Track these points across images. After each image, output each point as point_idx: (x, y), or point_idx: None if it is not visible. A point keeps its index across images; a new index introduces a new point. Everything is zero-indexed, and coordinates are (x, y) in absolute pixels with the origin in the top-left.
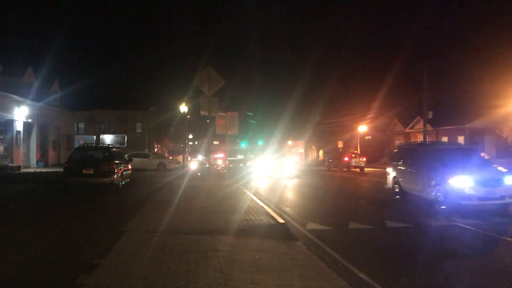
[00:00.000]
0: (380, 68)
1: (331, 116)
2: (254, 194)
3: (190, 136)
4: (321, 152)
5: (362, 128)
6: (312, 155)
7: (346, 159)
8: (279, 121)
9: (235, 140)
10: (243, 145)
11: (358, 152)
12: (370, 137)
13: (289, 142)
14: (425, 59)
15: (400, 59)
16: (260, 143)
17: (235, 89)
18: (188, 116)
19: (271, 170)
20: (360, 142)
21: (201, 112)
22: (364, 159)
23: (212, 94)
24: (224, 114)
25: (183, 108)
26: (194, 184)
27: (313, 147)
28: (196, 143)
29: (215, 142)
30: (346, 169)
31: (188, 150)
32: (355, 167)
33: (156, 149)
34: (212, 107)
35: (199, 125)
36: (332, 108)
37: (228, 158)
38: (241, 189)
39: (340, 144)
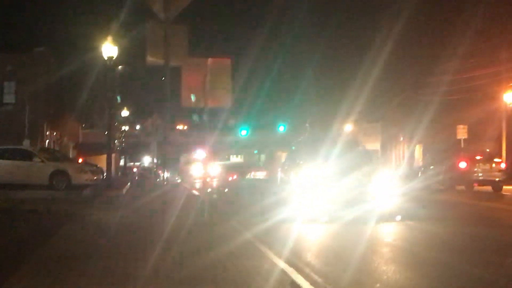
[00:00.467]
0: None
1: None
2: None
3: (125, 113)
4: (418, 149)
5: (510, 97)
6: (398, 154)
7: (462, 165)
8: (320, 87)
9: (226, 122)
10: (244, 132)
11: (489, 152)
12: None
13: (348, 127)
14: None
15: None
16: (281, 128)
17: (223, 21)
18: (120, 68)
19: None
20: (508, 126)
21: (148, 59)
22: (504, 165)
23: (172, 17)
24: (198, 63)
25: (109, 50)
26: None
27: (401, 138)
28: (138, 127)
29: (179, 127)
30: (465, 187)
31: (122, 144)
32: (483, 182)
33: (48, 140)
34: (173, 46)
35: (144, 89)
36: (441, 59)
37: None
38: None
39: (462, 132)
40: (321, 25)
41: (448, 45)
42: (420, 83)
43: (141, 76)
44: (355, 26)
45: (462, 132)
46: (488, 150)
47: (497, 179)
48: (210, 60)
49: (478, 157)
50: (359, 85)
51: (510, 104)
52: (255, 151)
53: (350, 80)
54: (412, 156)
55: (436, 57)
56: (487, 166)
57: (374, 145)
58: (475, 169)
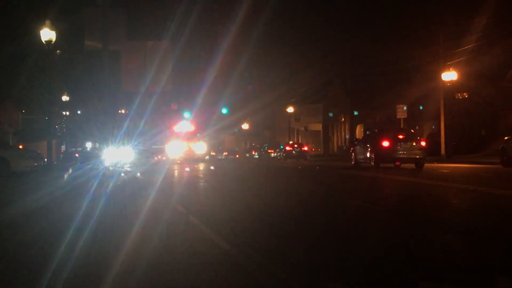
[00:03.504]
0: None
1: (378, 56)
2: None
3: (66, 98)
4: (359, 129)
5: (448, 76)
6: (340, 134)
7: (385, 144)
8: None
9: (169, 105)
10: (187, 115)
11: (415, 132)
12: (466, 94)
13: (289, 110)
14: None
15: None
16: (224, 111)
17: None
18: (58, 52)
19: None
20: (445, 105)
21: (87, 43)
22: (423, 143)
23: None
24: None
25: (47, 34)
26: None
27: (342, 119)
28: (79, 113)
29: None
30: (392, 165)
31: (63, 129)
32: (405, 159)
33: None
34: (111, 30)
35: (84, 72)
36: (383, 39)
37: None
38: None
39: (401, 112)
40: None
41: (389, 25)
42: (360, 64)
43: (80, 60)
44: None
45: (401, 112)
46: (412, 130)
47: (417, 156)
48: (150, 43)
49: (400, 136)
50: (301, 66)
51: (448, 83)
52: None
53: (292, 61)
54: (354, 136)
55: (377, 36)
56: (408, 145)
57: (316, 125)
58: (398, 148)
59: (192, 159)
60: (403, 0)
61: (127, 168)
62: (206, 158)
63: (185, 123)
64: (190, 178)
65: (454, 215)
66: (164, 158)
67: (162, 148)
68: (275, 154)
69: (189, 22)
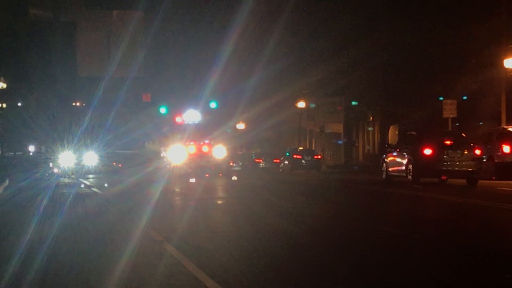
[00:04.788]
0: None
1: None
2: None
3: (1, 85)
4: (392, 132)
5: None
6: (366, 137)
7: (427, 152)
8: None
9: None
10: (164, 110)
11: (467, 136)
12: None
13: (300, 105)
14: None
15: None
16: (212, 104)
17: None
18: None
19: None
20: (508, 101)
21: (31, 12)
22: (478, 152)
23: None
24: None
25: None
26: None
27: (371, 117)
28: (20, 105)
29: (75, 104)
30: (436, 180)
31: None
32: (453, 172)
33: None
34: None
35: (27, 50)
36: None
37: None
38: None
39: (450, 109)
40: None
41: None
42: (395, 45)
43: (23, 35)
44: None
45: (450, 109)
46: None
47: (470, 169)
48: (115, 13)
49: (447, 142)
50: (314, 49)
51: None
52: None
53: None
54: (384, 140)
55: (418, 10)
56: (458, 153)
57: (335, 126)
58: (444, 157)
59: (205, 168)
60: None
61: (88, 181)
62: (224, 167)
63: (193, 113)
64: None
65: None
66: (159, 166)
67: (156, 152)
68: (275, 164)
69: None
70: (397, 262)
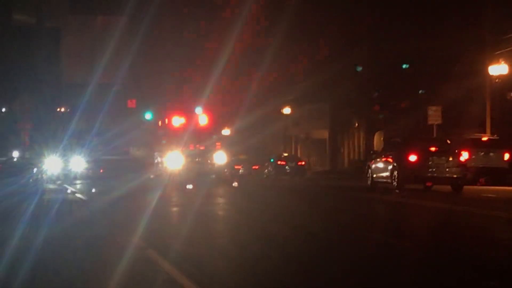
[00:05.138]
0: None
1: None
2: None
3: None
4: (377, 139)
5: (497, 70)
6: (352, 143)
7: (412, 158)
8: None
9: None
10: (149, 115)
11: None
12: None
13: (286, 111)
14: None
15: None
16: (198, 111)
17: None
18: None
19: None
20: (492, 108)
21: (15, 17)
22: (463, 158)
23: None
24: (83, 23)
25: None
26: None
27: (356, 124)
28: (4, 110)
29: (60, 110)
30: (421, 186)
31: None
32: (438, 178)
33: None
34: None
35: (11, 55)
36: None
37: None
38: None
39: (434, 116)
40: None
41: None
42: (381, 50)
43: (6, 40)
44: None
45: (434, 116)
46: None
47: (455, 176)
48: (100, 19)
49: (432, 149)
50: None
51: (496, 79)
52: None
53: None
54: (370, 147)
55: (403, 17)
56: (443, 160)
57: (320, 132)
58: (429, 163)
59: (203, 176)
60: None
61: (74, 187)
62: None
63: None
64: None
65: (499, 255)
66: (152, 174)
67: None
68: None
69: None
70: (382, 269)
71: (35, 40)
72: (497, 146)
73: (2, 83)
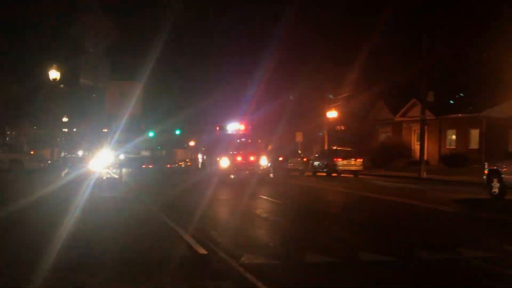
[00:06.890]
0: (361, 27)
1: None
2: None
3: (65, 119)
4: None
5: (332, 114)
6: None
7: (280, 158)
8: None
9: (139, 126)
10: (151, 134)
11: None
12: (343, 127)
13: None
14: (427, 14)
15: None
16: (177, 132)
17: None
18: (62, 86)
19: None
20: (328, 134)
21: (81, 81)
22: (305, 159)
23: (100, 51)
24: (116, 85)
25: (54, 73)
26: None
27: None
28: (75, 130)
29: (104, 130)
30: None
31: (62, 140)
32: (292, 170)
33: (8, 138)
34: (99, 71)
35: (79, 101)
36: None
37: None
38: None
39: (299, 136)
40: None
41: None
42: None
43: (76, 93)
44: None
45: (299, 136)
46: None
47: (300, 167)
48: (126, 83)
49: (280, 158)
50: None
51: (330, 119)
52: (159, 147)
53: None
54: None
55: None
56: (295, 160)
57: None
58: (288, 161)
59: (251, 175)
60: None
61: (111, 174)
62: (270, 174)
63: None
64: None
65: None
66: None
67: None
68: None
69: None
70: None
71: (91, 93)
72: (351, 154)
73: (74, 115)
